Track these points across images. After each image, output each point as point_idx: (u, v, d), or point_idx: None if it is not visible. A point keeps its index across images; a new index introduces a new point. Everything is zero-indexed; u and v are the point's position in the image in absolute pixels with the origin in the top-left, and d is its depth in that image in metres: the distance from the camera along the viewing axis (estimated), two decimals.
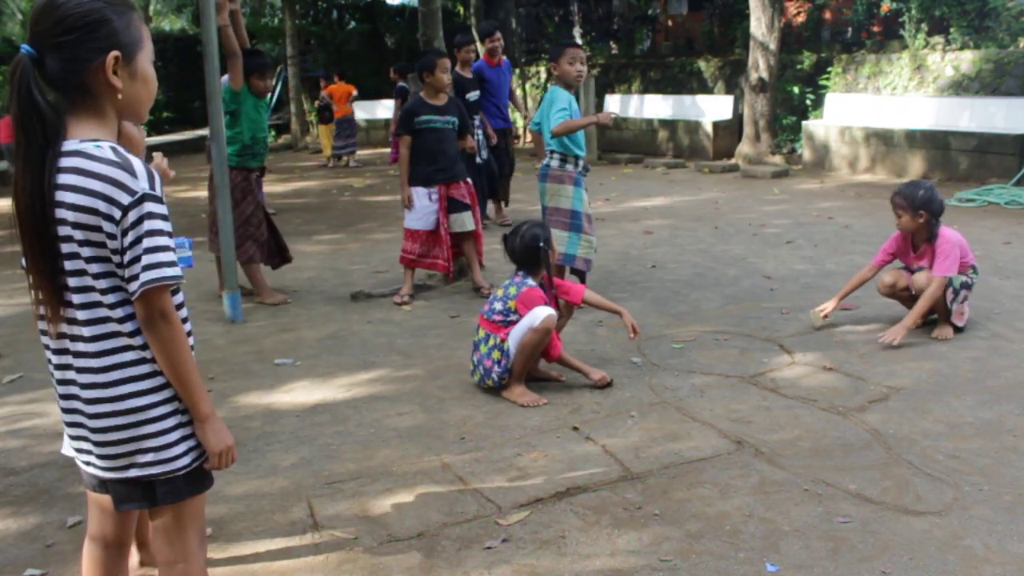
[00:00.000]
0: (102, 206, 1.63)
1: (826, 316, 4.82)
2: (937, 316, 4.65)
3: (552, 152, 5.14)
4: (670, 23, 18.17)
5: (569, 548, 2.67)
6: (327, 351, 4.74)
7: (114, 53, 1.66)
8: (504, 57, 8.44)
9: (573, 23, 18.46)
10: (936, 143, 10.66)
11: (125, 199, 1.63)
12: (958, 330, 4.63)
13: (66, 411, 1.78)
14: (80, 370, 1.72)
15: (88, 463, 1.81)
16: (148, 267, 1.64)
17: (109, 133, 1.72)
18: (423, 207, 5.70)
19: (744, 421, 3.60)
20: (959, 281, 4.58)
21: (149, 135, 20.51)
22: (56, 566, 2.67)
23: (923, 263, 4.67)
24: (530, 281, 4.00)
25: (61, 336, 1.73)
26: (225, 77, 5.36)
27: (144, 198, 1.64)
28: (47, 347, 1.77)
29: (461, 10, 21.54)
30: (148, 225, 1.64)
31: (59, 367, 1.76)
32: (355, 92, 15.35)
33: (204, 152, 15.41)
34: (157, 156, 2.91)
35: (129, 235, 1.63)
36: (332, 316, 5.44)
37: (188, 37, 22.92)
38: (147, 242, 1.64)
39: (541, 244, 3.99)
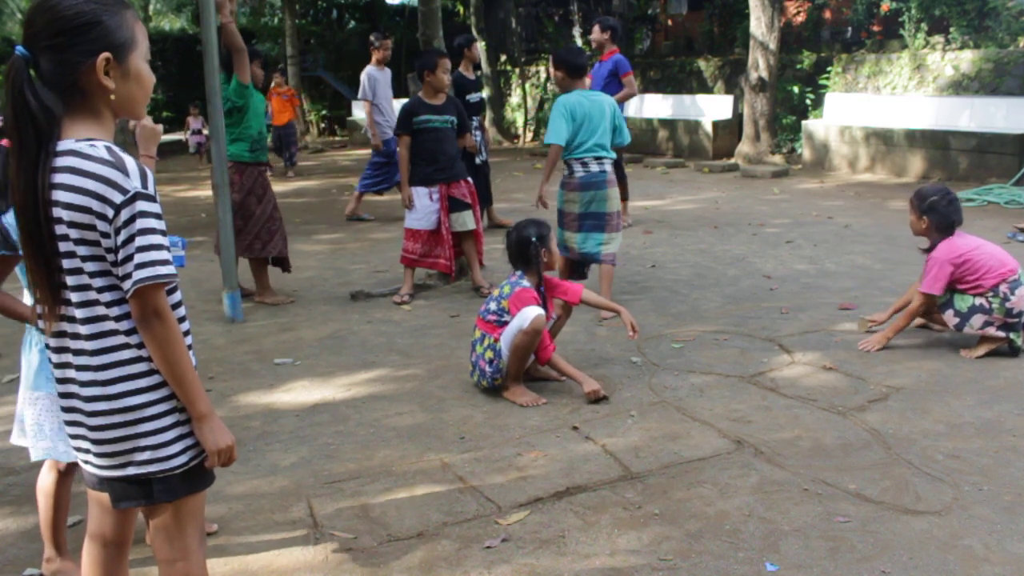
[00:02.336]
0: (95, 205, 1.63)
1: (873, 323, 4.67)
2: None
3: (605, 159, 5.19)
4: (670, 23, 18.17)
5: (569, 548, 2.67)
6: (327, 351, 4.74)
7: (104, 55, 1.66)
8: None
9: (573, 23, 18.46)
10: (936, 143, 10.66)
11: (118, 198, 1.63)
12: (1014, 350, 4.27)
13: (65, 410, 1.78)
14: (79, 368, 1.72)
15: (86, 461, 1.81)
16: (141, 265, 1.64)
17: (105, 132, 1.72)
18: (424, 207, 5.70)
19: (744, 421, 3.60)
20: (967, 303, 4.22)
21: None
22: None
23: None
24: (524, 282, 4.00)
25: (60, 335, 1.73)
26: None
27: (136, 197, 1.64)
28: (47, 346, 1.78)
29: (461, 10, 21.54)
30: (140, 224, 1.64)
31: (58, 366, 1.76)
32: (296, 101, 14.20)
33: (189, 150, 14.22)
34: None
35: (122, 233, 1.64)
36: (332, 316, 5.44)
37: (188, 37, 22.91)
38: (140, 240, 1.64)
39: (533, 240, 3.99)
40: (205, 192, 11.58)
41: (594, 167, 5.17)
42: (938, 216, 4.28)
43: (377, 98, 8.66)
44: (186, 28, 26.02)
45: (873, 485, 3.01)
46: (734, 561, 2.57)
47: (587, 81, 5.35)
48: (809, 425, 3.54)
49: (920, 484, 3.01)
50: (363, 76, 8.71)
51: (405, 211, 5.80)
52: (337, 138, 21.24)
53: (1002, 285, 4.17)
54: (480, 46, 16.90)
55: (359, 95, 8.81)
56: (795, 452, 3.29)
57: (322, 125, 22.04)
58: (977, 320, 4.20)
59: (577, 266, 5.44)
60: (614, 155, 5.28)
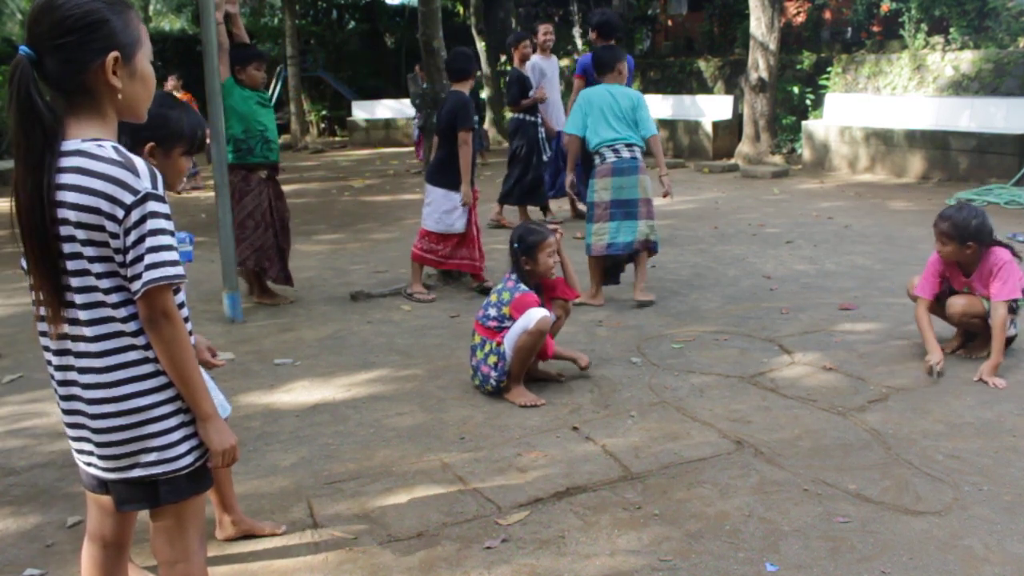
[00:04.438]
0: (105, 205, 1.63)
1: (940, 364, 4.04)
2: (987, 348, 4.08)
3: (635, 146, 5.34)
4: (670, 23, 18.19)
5: (569, 548, 2.67)
6: (327, 351, 4.74)
7: (113, 54, 1.66)
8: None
9: (573, 23, 18.48)
10: (936, 143, 10.66)
11: (128, 198, 1.63)
12: None
13: (67, 412, 1.78)
14: (82, 370, 1.71)
15: (90, 464, 1.81)
16: (151, 266, 1.64)
17: (110, 133, 1.72)
18: (462, 211, 5.71)
19: (744, 421, 3.60)
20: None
21: None
22: (56, 566, 2.67)
23: (977, 288, 4.14)
24: (523, 287, 4.01)
25: (62, 337, 1.72)
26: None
27: (147, 197, 1.64)
28: (47, 348, 1.77)
29: (461, 10, 21.55)
30: (151, 224, 1.64)
31: (60, 368, 1.75)
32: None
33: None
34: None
35: (132, 234, 1.64)
36: (332, 316, 5.44)
37: (188, 37, 22.90)
38: (150, 241, 1.64)
39: (515, 245, 4.04)
40: (204, 192, 11.59)
41: (625, 153, 5.35)
42: (983, 236, 4.07)
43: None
44: (186, 28, 26.01)
45: (873, 485, 3.01)
46: (734, 561, 2.57)
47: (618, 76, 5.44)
48: (809, 425, 3.54)
49: (920, 484, 3.01)
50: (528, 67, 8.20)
51: (440, 214, 5.73)
52: (337, 138, 21.26)
53: None
54: (480, 47, 16.94)
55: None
56: (795, 452, 3.29)
57: (322, 125, 22.06)
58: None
59: (611, 271, 5.47)
60: (643, 144, 5.40)
